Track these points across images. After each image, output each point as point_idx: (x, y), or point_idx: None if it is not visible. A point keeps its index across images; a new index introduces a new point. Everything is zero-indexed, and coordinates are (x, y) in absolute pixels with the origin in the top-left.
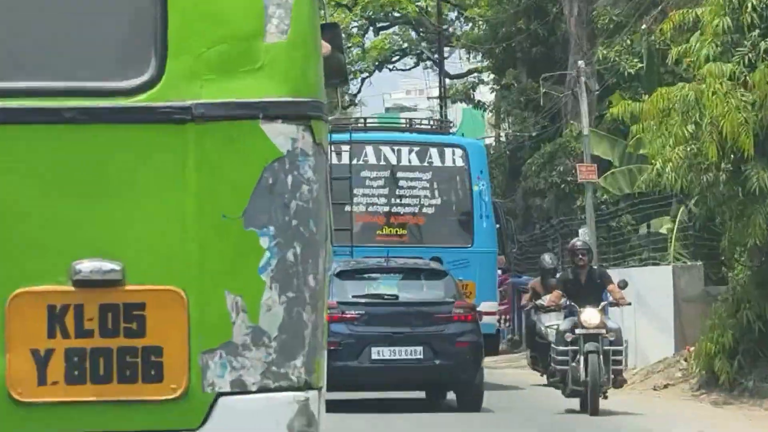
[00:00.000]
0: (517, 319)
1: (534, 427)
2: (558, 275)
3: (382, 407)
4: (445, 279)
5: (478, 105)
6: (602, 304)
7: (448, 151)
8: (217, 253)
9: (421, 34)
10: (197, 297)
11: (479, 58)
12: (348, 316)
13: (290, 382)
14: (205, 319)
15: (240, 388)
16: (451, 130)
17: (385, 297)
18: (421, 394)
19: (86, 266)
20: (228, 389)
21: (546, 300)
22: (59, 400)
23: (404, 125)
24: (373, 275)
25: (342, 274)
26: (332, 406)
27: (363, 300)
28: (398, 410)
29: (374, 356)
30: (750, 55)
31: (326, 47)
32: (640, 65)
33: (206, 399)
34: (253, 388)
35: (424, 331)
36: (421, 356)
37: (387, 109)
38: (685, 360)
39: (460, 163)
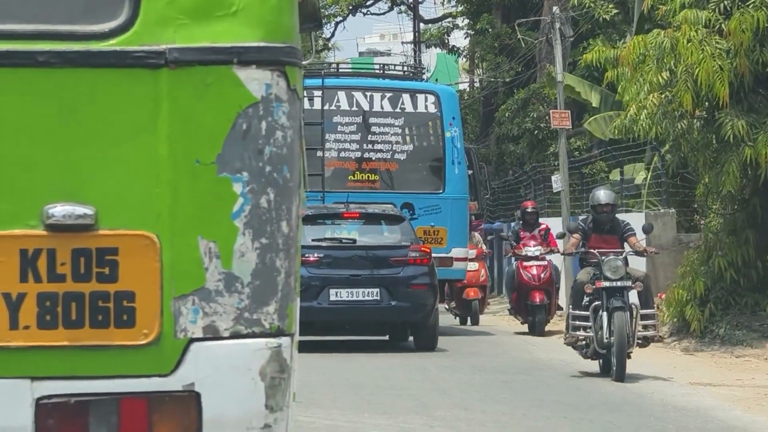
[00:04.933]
0: (488, 265)
1: (496, 372)
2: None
3: (347, 349)
4: (402, 224)
5: (453, 50)
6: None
7: (420, 97)
8: (191, 199)
9: None
10: (170, 242)
11: (454, 2)
12: (308, 259)
13: (263, 329)
14: (177, 265)
15: (212, 334)
16: (423, 77)
17: (344, 241)
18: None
19: (59, 210)
20: (200, 335)
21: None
22: (31, 344)
23: (377, 71)
24: (333, 220)
25: (303, 219)
26: (301, 347)
27: (323, 243)
28: (360, 351)
29: (333, 297)
30: (725, 2)
31: None
32: (615, 11)
33: (178, 345)
34: (226, 334)
35: (381, 273)
36: (378, 298)
37: (360, 54)
38: (657, 307)
39: (432, 109)
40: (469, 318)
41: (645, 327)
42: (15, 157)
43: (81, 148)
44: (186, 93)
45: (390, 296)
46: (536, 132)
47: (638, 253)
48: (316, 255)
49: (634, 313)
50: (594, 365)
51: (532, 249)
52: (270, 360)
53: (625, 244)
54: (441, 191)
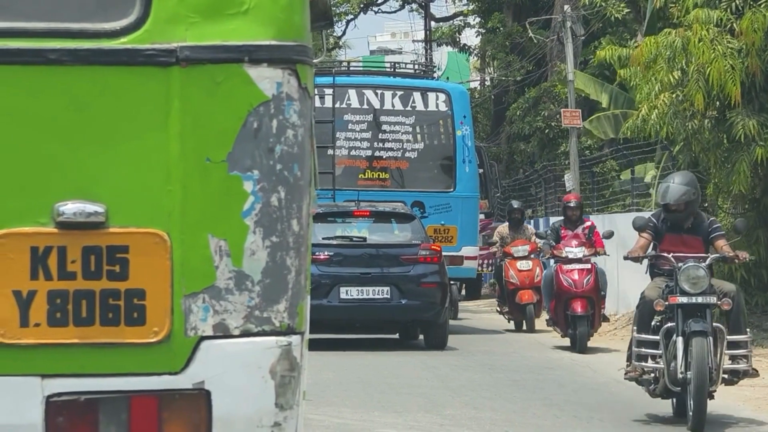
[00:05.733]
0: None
1: (507, 371)
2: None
3: (357, 347)
4: (413, 223)
5: (464, 49)
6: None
7: (431, 95)
8: (201, 197)
9: None
10: (180, 240)
11: (465, 0)
12: (318, 257)
13: (273, 327)
14: (188, 263)
15: (222, 332)
16: (434, 75)
17: (354, 239)
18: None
19: (69, 208)
20: (210, 333)
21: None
22: (41, 341)
23: (388, 69)
24: (344, 218)
25: (313, 217)
26: (311, 345)
27: (333, 242)
28: (370, 349)
29: (343, 296)
30: (737, 1)
31: None
32: (626, 10)
33: (188, 343)
34: (236, 332)
35: (391, 272)
36: (389, 296)
37: (371, 52)
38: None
39: (443, 107)
40: (524, 323)
41: (733, 358)
42: (26, 154)
43: (92, 146)
44: (197, 91)
45: (400, 294)
46: (547, 131)
47: (727, 260)
48: (326, 253)
49: (720, 339)
50: (665, 405)
51: (573, 250)
52: (280, 358)
53: (708, 248)
54: (451, 190)
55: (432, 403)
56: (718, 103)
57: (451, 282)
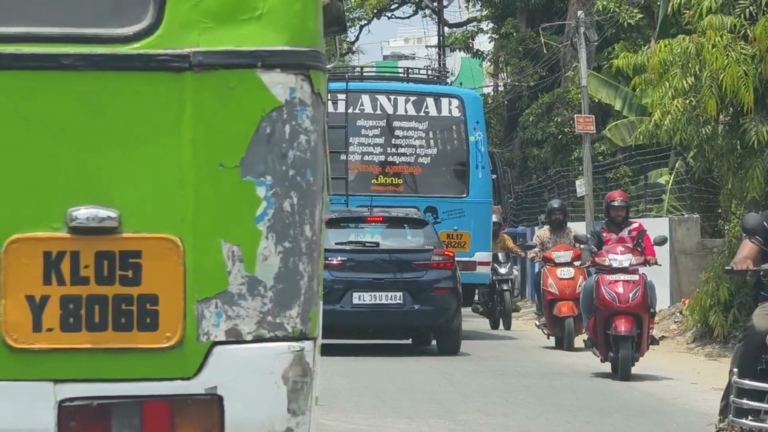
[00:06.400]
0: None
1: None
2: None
3: (370, 352)
4: (426, 228)
5: (477, 54)
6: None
7: (444, 101)
8: (214, 202)
9: None
10: (193, 245)
11: (479, 6)
12: (331, 262)
13: (286, 332)
14: (201, 268)
15: (235, 338)
16: (447, 80)
17: (367, 244)
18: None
19: (82, 213)
20: (223, 338)
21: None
22: (54, 346)
23: (401, 75)
24: (357, 224)
25: (326, 223)
26: (323, 351)
27: (346, 247)
28: (383, 354)
29: (356, 301)
30: (751, 7)
31: None
32: (639, 16)
33: (201, 348)
34: (249, 338)
35: (404, 277)
36: (401, 301)
37: (385, 57)
38: (681, 312)
39: (456, 113)
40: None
41: None
42: (40, 159)
43: (105, 150)
44: (210, 96)
45: (413, 300)
46: (560, 136)
47: None
48: (339, 258)
49: None
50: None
51: (618, 257)
52: (293, 364)
53: None
54: (465, 195)
55: (445, 409)
56: (731, 109)
57: (505, 289)
